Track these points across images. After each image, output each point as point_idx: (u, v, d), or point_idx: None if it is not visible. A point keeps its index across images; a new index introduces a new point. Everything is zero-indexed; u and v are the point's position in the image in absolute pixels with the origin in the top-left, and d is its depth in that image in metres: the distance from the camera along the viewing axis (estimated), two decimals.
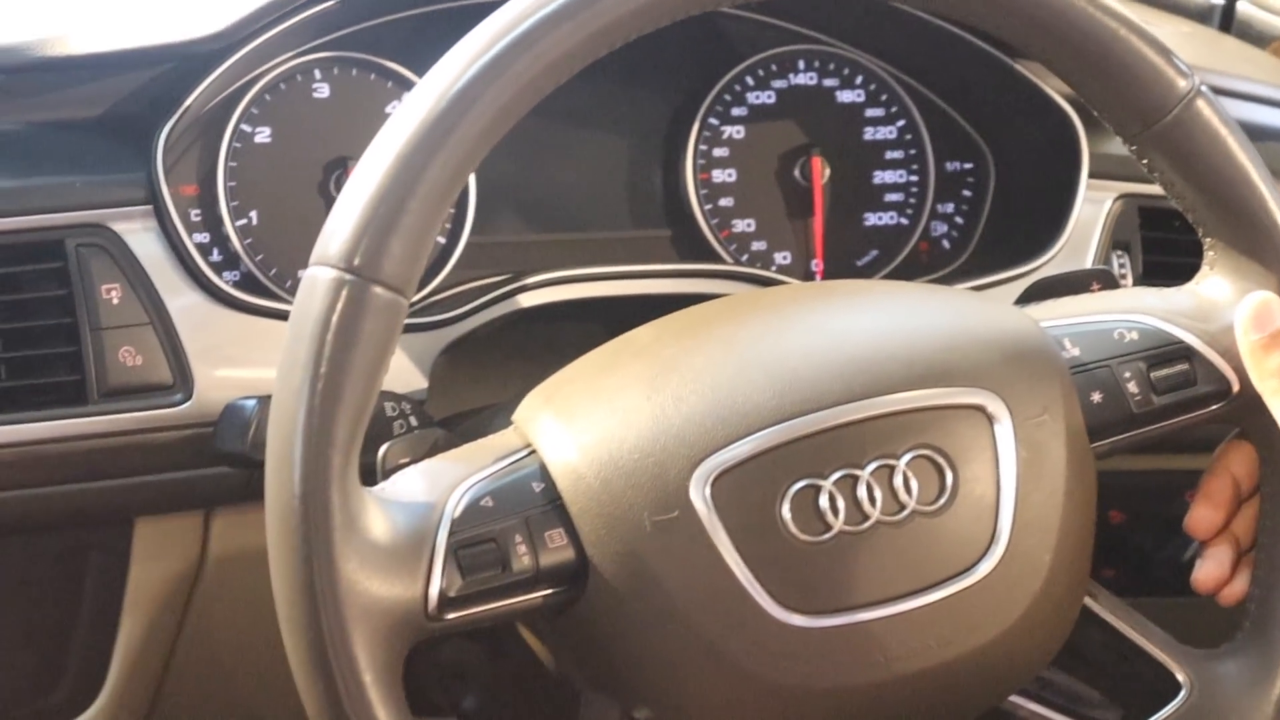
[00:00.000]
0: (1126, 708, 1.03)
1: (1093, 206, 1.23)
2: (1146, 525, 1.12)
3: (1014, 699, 0.99)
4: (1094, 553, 0.98)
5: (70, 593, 1.18)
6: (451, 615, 0.84)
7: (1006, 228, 1.31)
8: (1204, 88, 0.94)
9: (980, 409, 0.91)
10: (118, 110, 1.16)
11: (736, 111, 1.28)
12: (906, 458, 0.89)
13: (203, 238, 1.16)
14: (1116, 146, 1.05)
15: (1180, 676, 0.99)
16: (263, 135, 1.18)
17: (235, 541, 1.17)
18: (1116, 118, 1.00)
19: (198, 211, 1.17)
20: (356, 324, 0.81)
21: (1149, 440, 0.97)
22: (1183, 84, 0.94)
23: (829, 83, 1.30)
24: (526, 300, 1.18)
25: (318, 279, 0.82)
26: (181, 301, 1.09)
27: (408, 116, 0.84)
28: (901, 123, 1.29)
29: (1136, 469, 0.99)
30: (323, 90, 1.18)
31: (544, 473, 0.88)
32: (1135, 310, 0.99)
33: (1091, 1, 0.96)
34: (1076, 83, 1.01)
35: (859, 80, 1.30)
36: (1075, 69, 0.99)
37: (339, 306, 0.80)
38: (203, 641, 1.24)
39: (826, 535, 0.87)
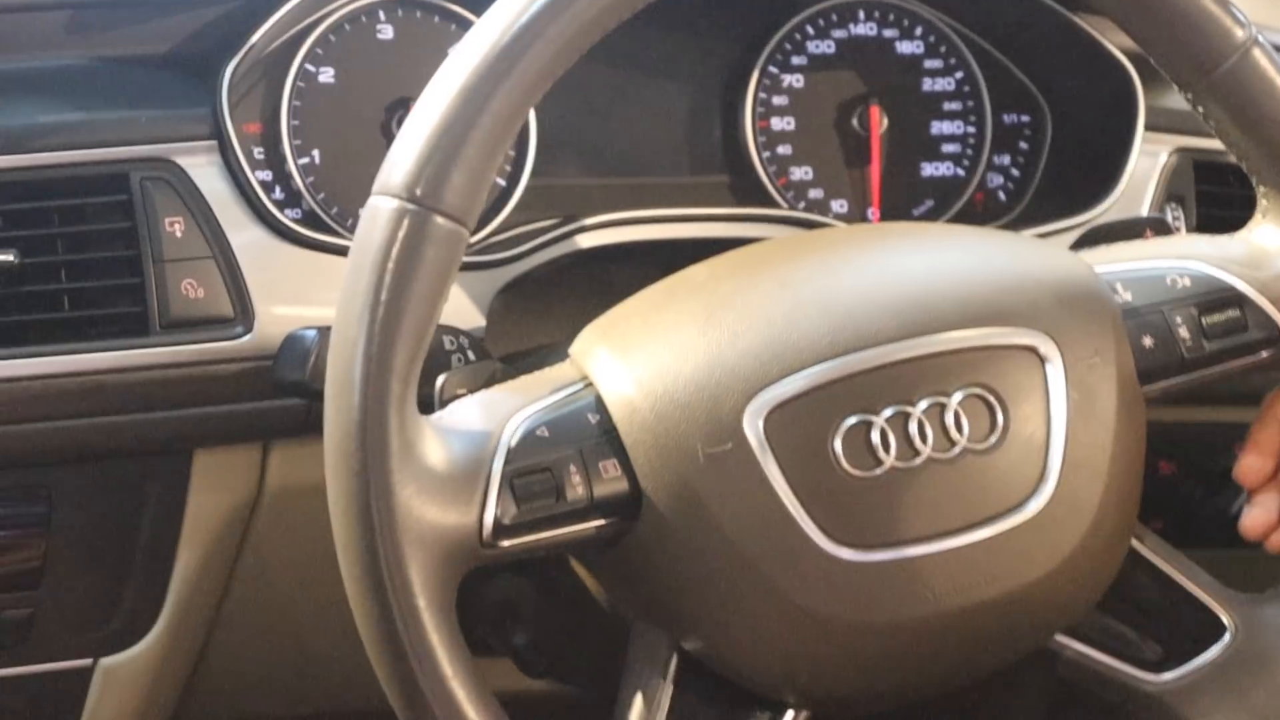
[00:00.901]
0: (1171, 650, 1.02)
1: (1148, 159, 1.22)
2: (1196, 477, 1.13)
3: (1060, 638, 0.99)
4: (1143, 504, 0.99)
5: (129, 523, 1.18)
6: (506, 543, 0.85)
7: (1062, 180, 1.30)
8: (1260, 37, 0.94)
9: (1032, 350, 0.91)
10: (184, 47, 1.17)
11: (796, 60, 1.27)
12: (958, 396, 0.90)
13: (265, 175, 1.16)
14: (1173, 100, 1.10)
15: (1226, 619, 0.99)
16: (326, 75, 1.17)
17: (293, 475, 1.17)
18: (1174, 66, 0.99)
19: (261, 149, 1.17)
20: (417, 252, 0.82)
21: (1199, 385, 0.97)
22: (1240, 33, 0.94)
23: (888, 33, 1.29)
24: (584, 241, 1.18)
25: (380, 208, 0.83)
26: (244, 236, 1.10)
27: (471, 50, 0.85)
28: (960, 74, 1.29)
29: (1187, 421, 0.98)
30: (386, 32, 1.18)
31: (599, 405, 0.89)
32: (1188, 256, 0.99)
33: None
34: (1135, 31, 1.01)
35: (918, 31, 1.29)
36: (1135, 17, 1.00)
37: (400, 235, 0.82)
38: (258, 574, 1.25)
39: (878, 470, 0.87)
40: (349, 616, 0.87)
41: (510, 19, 0.85)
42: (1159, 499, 1.10)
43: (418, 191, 0.83)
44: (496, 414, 0.88)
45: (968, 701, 1.51)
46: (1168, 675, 1.00)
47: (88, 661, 1.19)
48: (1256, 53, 0.95)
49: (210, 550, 1.19)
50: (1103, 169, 1.25)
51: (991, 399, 0.90)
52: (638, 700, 0.94)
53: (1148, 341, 0.94)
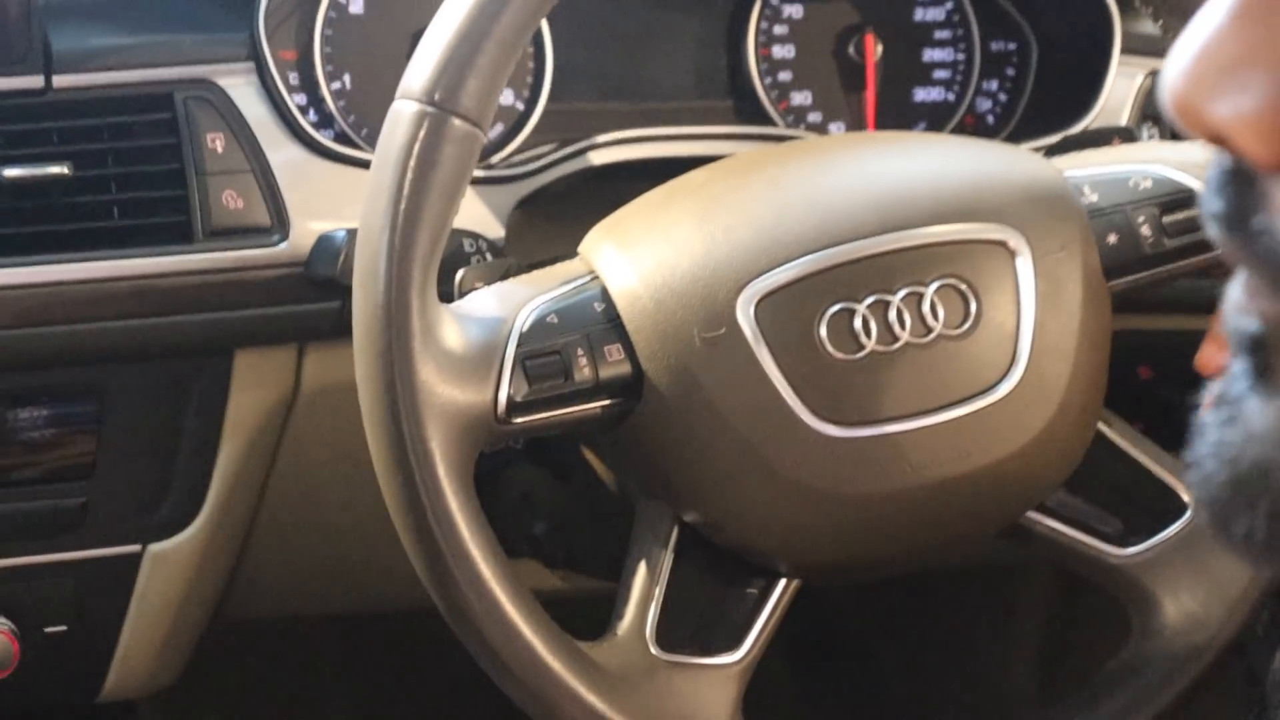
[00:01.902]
0: (1136, 526, 1.08)
1: (1125, 81, 1.25)
2: (1172, 380, 1.17)
3: (1032, 515, 1.04)
4: (1125, 407, 1.07)
5: (175, 420, 1.22)
6: (518, 420, 0.91)
7: (1046, 102, 1.33)
8: None
9: (1003, 244, 0.97)
10: None
11: (793, 6, 1.33)
12: (934, 286, 0.96)
13: (300, 99, 1.20)
14: (1146, 27, 1.14)
15: (1187, 498, 1.05)
16: (356, 6, 1.21)
17: (327, 375, 1.21)
18: None
19: (296, 75, 1.21)
20: (436, 151, 0.89)
21: (1162, 279, 1.02)
22: None
23: None
24: (596, 159, 1.21)
25: (401, 112, 0.89)
26: (280, 153, 1.15)
27: None
28: (950, 4, 1.32)
29: (1163, 329, 1.04)
30: None
31: (604, 294, 0.94)
32: (1151, 160, 1.04)
33: None
34: None
35: None
36: None
37: (421, 135, 0.89)
38: (296, 470, 1.29)
39: (860, 354, 0.93)
40: (383, 514, 0.94)
41: None
42: (1140, 402, 1.13)
43: (436, 96, 0.89)
44: (510, 302, 0.94)
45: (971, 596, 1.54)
46: (1131, 549, 1.05)
47: (136, 548, 1.22)
48: None
49: (250, 446, 1.23)
50: (1083, 91, 1.28)
51: (965, 289, 0.96)
52: (641, 569, 0.99)
53: (1112, 239, 0.99)
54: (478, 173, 1.17)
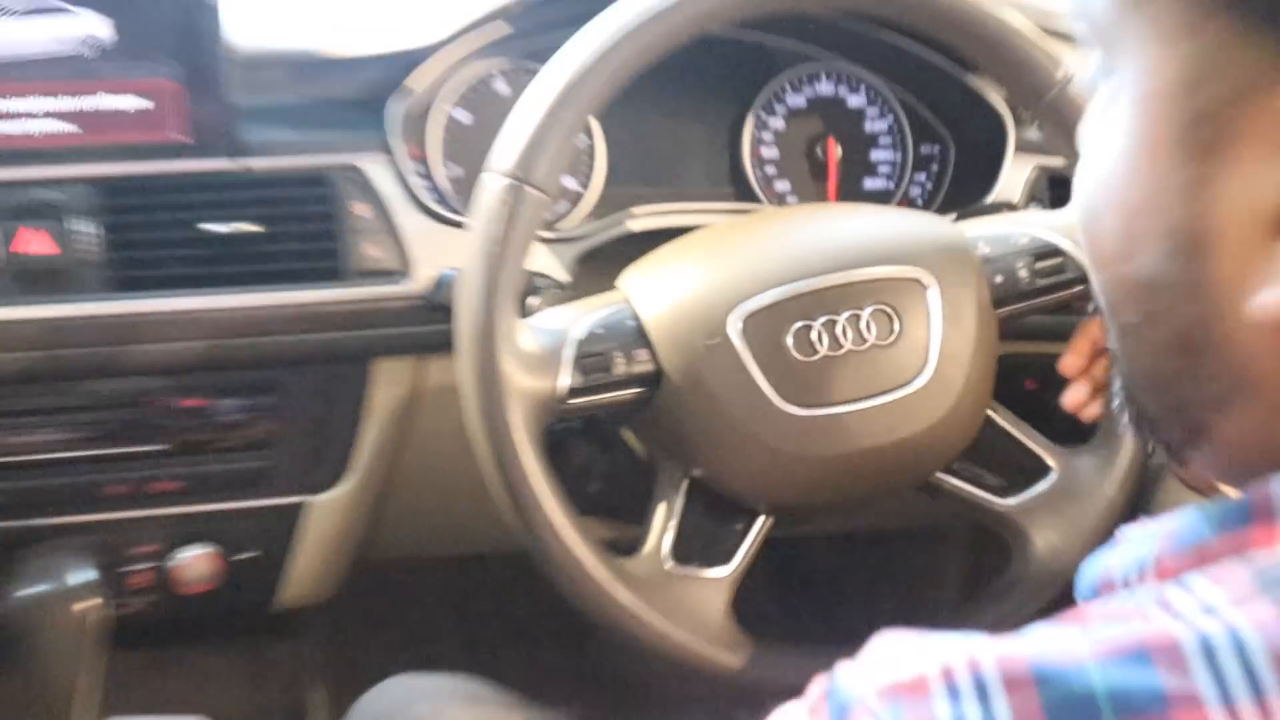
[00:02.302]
0: (1014, 483, 1.15)
1: (1017, 173, 1.31)
2: (1051, 392, 1.18)
3: (939, 475, 1.11)
4: (1015, 412, 1.14)
5: (330, 408, 1.29)
6: (573, 402, 0.99)
7: (960, 188, 1.39)
8: (1074, 75, 1.06)
9: (918, 281, 1.05)
10: (364, 90, 1.27)
11: (778, 109, 1.38)
12: (868, 310, 1.03)
13: (420, 181, 1.25)
14: (1034, 134, 1.23)
15: (1051, 463, 1.13)
16: (463, 116, 1.27)
17: (439, 377, 1.27)
18: (1019, 96, 1.16)
19: (420, 166, 1.26)
20: (515, 211, 0.97)
21: (1034, 309, 1.11)
22: (1059, 73, 1.07)
23: (841, 91, 1.39)
24: (634, 225, 1.27)
25: (489, 182, 0.97)
26: (406, 218, 1.21)
27: (550, 77, 0.99)
28: (890, 119, 1.39)
29: (1043, 352, 1.09)
30: (504, 89, 1.28)
31: (634, 314, 1.02)
32: (1028, 224, 1.13)
33: (987, 11, 1.10)
34: (995, 75, 1.18)
35: (862, 89, 1.39)
36: (993, 65, 1.13)
37: (503, 200, 0.97)
38: (417, 442, 1.37)
39: (815, 357, 1.01)
40: (480, 474, 1.03)
41: (573, 61, 1.00)
42: (1026, 408, 1.18)
43: (515, 170, 0.97)
44: (567, 319, 1.01)
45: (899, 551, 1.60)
46: (1011, 500, 1.13)
47: (302, 499, 1.30)
48: (1071, 88, 1.06)
49: (383, 427, 1.30)
50: (986, 178, 1.34)
51: (891, 312, 1.04)
52: (661, 509, 1.06)
53: (998, 279, 1.06)
54: (549, 234, 1.26)
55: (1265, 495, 0.48)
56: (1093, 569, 0.55)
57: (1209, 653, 0.43)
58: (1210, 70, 0.49)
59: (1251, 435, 0.54)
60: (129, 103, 1.14)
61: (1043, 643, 0.45)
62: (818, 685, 0.50)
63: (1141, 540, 0.53)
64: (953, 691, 0.44)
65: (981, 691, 0.44)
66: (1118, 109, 0.54)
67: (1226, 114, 0.49)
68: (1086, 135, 0.59)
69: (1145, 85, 0.52)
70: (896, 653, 0.47)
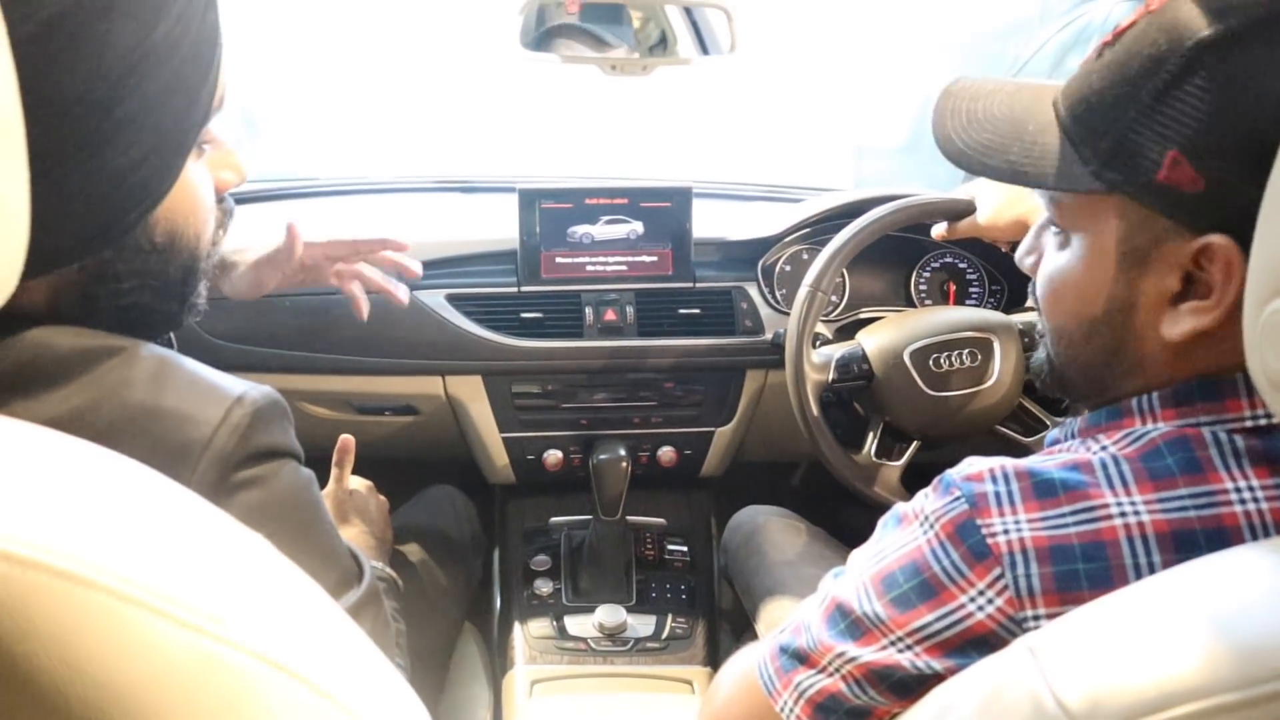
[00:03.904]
0: (1029, 433, 1.60)
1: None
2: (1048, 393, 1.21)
3: (996, 426, 1.56)
4: (1031, 399, 1.55)
5: (724, 390, 1.90)
6: (835, 384, 1.53)
7: (1010, 303, 1.91)
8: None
9: (989, 337, 1.51)
10: (748, 253, 1.91)
11: (927, 267, 1.93)
12: (966, 350, 1.50)
13: (769, 295, 1.85)
14: None
15: (1048, 423, 1.57)
16: (788, 267, 1.88)
17: (775, 380, 1.84)
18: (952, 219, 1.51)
19: (769, 288, 1.87)
20: (813, 302, 1.53)
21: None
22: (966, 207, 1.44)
23: (955, 261, 1.93)
24: (863, 315, 1.82)
25: (802, 289, 1.52)
26: (762, 309, 1.85)
27: (827, 251, 1.51)
28: (979, 274, 1.94)
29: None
30: (805, 255, 1.85)
31: (863, 350, 1.53)
32: (1028, 314, 1.56)
33: (937, 197, 1.52)
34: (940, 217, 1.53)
35: (965, 260, 1.93)
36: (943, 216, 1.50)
37: (808, 296, 1.53)
38: (764, 407, 1.95)
39: (941, 370, 1.48)
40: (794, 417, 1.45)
41: (836, 243, 1.52)
42: (1036, 399, 1.59)
43: (814, 284, 1.53)
44: (833, 350, 1.54)
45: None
46: (1029, 439, 1.58)
47: (713, 429, 1.93)
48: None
49: (750, 399, 1.90)
50: (1021, 299, 1.82)
51: (977, 351, 1.51)
52: (870, 435, 1.59)
53: (1025, 339, 1.53)
54: (826, 318, 1.80)
55: (1128, 406, 0.83)
56: (1049, 438, 0.90)
57: (1104, 465, 0.76)
58: (1137, 233, 0.79)
59: (1130, 389, 0.84)
60: (649, 258, 1.84)
61: (1032, 460, 0.77)
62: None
63: (1067, 425, 0.88)
64: (993, 477, 0.77)
65: (1005, 478, 0.77)
66: (1076, 244, 0.83)
67: (1147, 251, 0.79)
68: (1045, 255, 0.88)
69: (1100, 237, 0.81)
70: (971, 463, 0.80)
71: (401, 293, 1.48)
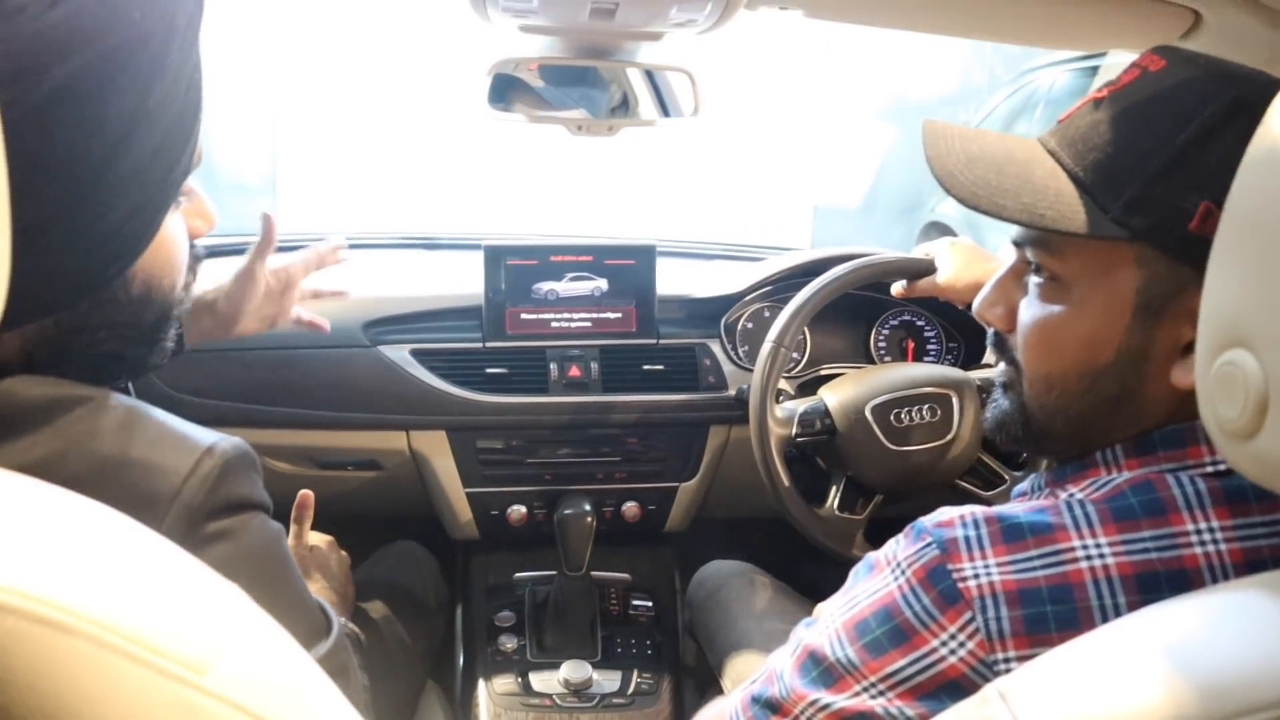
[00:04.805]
0: (988, 486, 1.65)
1: (991, 354, 1.49)
2: (1003, 449, 1.38)
3: (955, 480, 1.62)
4: (990, 454, 1.59)
5: (688, 445, 1.92)
6: (799, 439, 1.58)
7: (968, 359, 1.98)
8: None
9: (949, 393, 1.57)
10: (709, 311, 1.94)
11: (886, 325, 1.98)
12: (926, 405, 1.56)
13: (731, 351, 1.91)
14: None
15: (1006, 477, 1.63)
16: (750, 324, 1.92)
17: (739, 434, 1.90)
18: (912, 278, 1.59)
19: (731, 345, 1.93)
20: (775, 358, 1.58)
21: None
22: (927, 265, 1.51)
23: (914, 319, 1.99)
24: (823, 371, 1.90)
25: (765, 345, 1.57)
26: (725, 365, 1.91)
27: (790, 308, 1.56)
28: (936, 331, 1.98)
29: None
30: (767, 313, 1.92)
31: (825, 405, 1.58)
32: (994, 373, 1.43)
33: (894, 257, 1.60)
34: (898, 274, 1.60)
35: (923, 318, 1.99)
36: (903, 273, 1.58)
37: (771, 353, 1.59)
38: (727, 461, 1.99)
39: (902, 425, 1.53)
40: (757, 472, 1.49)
41: (798, 301, 1.56)
42: (994, 454, 1.63)
43: (776, 340, 1.58)
44: (796, 405, 1.59)
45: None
46: (988, 492, 1.63)
47: (676, 484, 1.92)
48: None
49: (713, 454, 1.94)
50: (979, 355, 1.89)
51: (937, 407, 1.54)
52: (833, 490, 1.62)
53: (982, 395, 1.58)
54: (788, 374, 1.87)
55: (1093, 459, 0.85)
56: (1015, 491, 0.94)
57: (1069, 508, 0.79)
58: (1157, 282, 0.80)
59: (1112, 440, 0.86)
60: (613, 315, 1.86)
61: (1003, 508, 0.80)
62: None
63: (1034, 479, 0.91)
64: (963, 523, 0.80)
65: (975, 523, 0.80)
66: (1079, 292, 0.83)
67: (1165, 301, 0.80)
68: (1027, 305, 0.88)
69: (1113, 286, 0.81)
70: (943, 511, 0.83)
71: (324, 323, 1.51)
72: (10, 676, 0.43)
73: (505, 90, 1.49)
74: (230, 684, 0.49)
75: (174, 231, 0.84)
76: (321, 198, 5.60)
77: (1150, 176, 0.78)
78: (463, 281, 1.88)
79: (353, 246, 2.10)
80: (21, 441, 0.71)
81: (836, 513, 1.61)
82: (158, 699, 0.47)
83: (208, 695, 0.48)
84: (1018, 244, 0.90)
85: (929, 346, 1.99)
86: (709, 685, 1.73)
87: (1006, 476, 1.64)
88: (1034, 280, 0.88)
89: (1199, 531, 0.76)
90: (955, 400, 1.58)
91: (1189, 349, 0.79)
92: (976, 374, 1.65)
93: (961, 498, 1.60)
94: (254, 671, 0.51)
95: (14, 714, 0.43)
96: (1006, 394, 0.93)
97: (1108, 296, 0.82)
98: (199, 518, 0.76)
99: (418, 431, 1.82)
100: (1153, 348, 0.82)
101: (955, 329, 1.97)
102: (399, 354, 1.80)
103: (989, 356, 1.81)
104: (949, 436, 1.58)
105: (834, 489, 1.64)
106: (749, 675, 0.92)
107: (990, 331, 0.94)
